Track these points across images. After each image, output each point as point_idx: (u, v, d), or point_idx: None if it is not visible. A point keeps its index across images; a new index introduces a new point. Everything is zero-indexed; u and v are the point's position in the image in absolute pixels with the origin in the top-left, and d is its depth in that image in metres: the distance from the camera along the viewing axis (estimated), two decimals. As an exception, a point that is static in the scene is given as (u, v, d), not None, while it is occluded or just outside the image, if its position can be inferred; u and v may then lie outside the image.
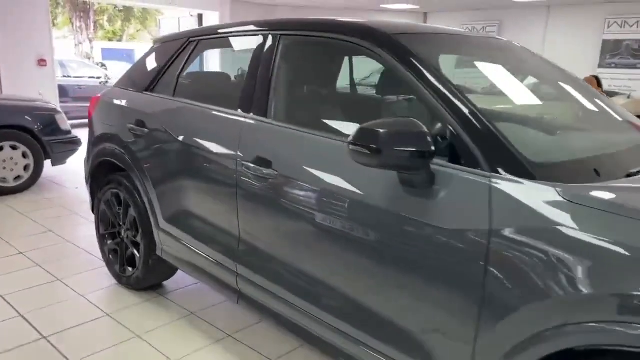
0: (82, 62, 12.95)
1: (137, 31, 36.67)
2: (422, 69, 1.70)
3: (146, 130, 2.66)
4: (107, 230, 3.15)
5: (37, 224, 4.19)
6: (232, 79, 2.91)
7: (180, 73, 2.72)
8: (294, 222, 1.94)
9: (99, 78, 11.65)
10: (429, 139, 1.47)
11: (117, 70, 13.15)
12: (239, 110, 2.25)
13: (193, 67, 2.82)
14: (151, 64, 3.00)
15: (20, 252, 3.57)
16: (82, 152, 5.54)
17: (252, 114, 2.19)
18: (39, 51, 7.12)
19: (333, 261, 1.81)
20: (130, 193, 2.84)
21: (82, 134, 5.85)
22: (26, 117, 5.12)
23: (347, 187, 1.73)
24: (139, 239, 2.86)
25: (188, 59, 2.71)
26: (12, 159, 4.99)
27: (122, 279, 3.06)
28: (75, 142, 5.49)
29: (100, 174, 3.18)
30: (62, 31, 26.25)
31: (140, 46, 34.48)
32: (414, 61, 1.73)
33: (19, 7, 6.79)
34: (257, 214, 2.11)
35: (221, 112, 2.36)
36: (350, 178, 1.73)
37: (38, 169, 5.18)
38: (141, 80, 2.97)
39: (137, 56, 32.10)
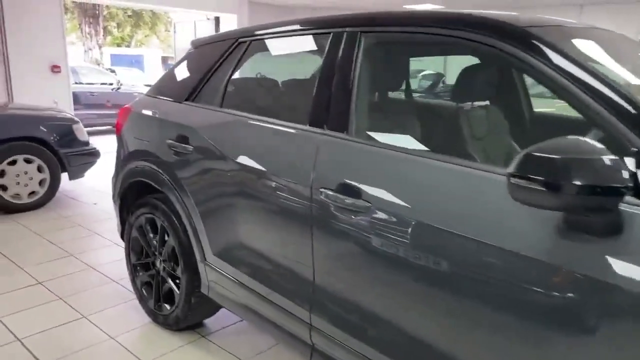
0: (94, 68, 12.63)
1: (145, 36, 36.52)
2: (581, 69, 1.29)
3: (190, 147, 2.26)
4: (139, 260, 2.75)
5: (55, 246, 3.80)
6: (296, 86, 2.49)
7: (228, 80, 2.32)
8: (392, 268, 1.52)
9: (111, 84, 11.34)
10: (625, 169, 1.06)
11: (127, 76, 12.81)
12: (311, 125, 1.85)
13: (242, 73, 2.42)
14: (191, 69, 2.60)
15: (38, 282, 3.18)
16: (100, 164, 5.18)
17: (328, 130, 1.78)
18: (52, 57, 6.76)
19: (451, 322, 1.39)
20: (169, 220, 2.44)
21: (95, 143, 5.48)
22: (41, 127, 4.74)
23: (479, 229, 1.31)
24: (179, 272, 2.45)
25: (238, 63, 2.31)
26: (26, 173, 4.61)
27: (157, 317, 2.66)
28: (94, 154, 5.11)
29: (132, 196, 2.79)
30: (70, 37, 26.00)
31: (149, 52, 34.32)
32: (568, 60, 1.32)
33: (31, 11, 6.45)
34: (340, 255, 1.70)
35: (286, 127, 1.95)
36: (484, 215, 1.32)
37: (54, 183, 4.80)
38: (179, 89, 2.57)
39: (146, 62, 31.98)
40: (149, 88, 2.89)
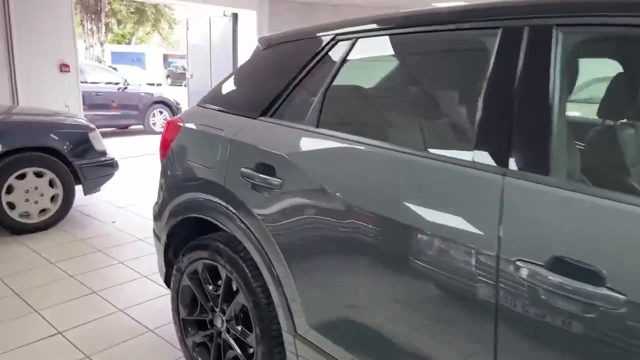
0: (98, 67, 12.03)
1: (146, 34, 35.87)
2: None
3: (278, 181, 1.68)
4: (191, 315, 2.17)
5: (73, 279, 3.21)
6: (443, 101, 1.86)
7: (326, 91, 1.73)
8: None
9: (117, 84, 10.74)
10: None
11: (129, 75, 12.21)
12: (480, 159, 1.27)
13: (347, 82, 1.83)
14: (265, 75, 2.02)
15: (57, 331, 2.60)
16: (116, 174, 4.59)
17: (519, 168, 1.21)
18: (60, 55, 6.15)
19: None
20: (240, 271, 1.85)
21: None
22: (53, 135, 4.15)
23: None
24: (251, 340, 1.88)
25: (339, 68, 1.73)
26: (36, 188, 4.02)
27: (216, 392, 2.08)
28: (112, 165, 4.52)
29: (183, 233, 2.21)
30: (70, 34, 25.22)
31: (151, 49, 33.69)
32: None
33: (38, 6, 5.84)
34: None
35: (432, 160, 1.37)
36: None
37: (68, 199, 4.21)
38: (251, 100, 1.99)
39: (148, 60, 31.35)
40: (205, 97, 2.31)
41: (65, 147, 4.16)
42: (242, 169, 1.81)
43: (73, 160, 4.19)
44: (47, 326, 2.64)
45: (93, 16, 20.92)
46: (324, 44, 1.80)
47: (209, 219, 1.98)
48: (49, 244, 3.82)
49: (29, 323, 2.67)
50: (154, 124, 10.90)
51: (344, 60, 1.72)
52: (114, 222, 4.39)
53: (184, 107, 11.17)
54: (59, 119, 4.46)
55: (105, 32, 22.32)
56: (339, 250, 1.52)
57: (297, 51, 1.91)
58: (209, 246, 2.00)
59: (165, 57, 34.56)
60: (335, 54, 1.76)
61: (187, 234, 2.22)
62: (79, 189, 4.29)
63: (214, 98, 2.22)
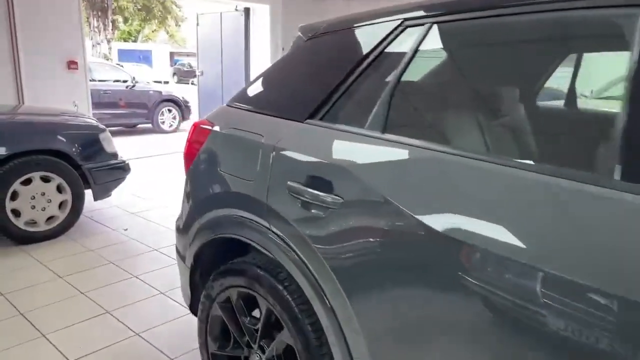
0: (106, 64, 11.76)
1: (153, 31, 35.67)
2: None
3: (338, 199, 1.36)
4: (223, 350, 1.87)
5: (83, 297, 2.92)
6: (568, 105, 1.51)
7: (394, 89, 1.41)
8: None
9: (125, 82, 10.48)
10: None
11: (135, 73, 11.94)
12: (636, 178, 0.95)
13: (421, 78, 1.52)
14: (313, 70, 1.71)
15: (68, 360, 2.31)
16: (128, 179, 4.30)
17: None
18: (68, 52, 5.86)
19: None
20: (286, 305, 1.54)
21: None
22: (61, 137, 3.86)
23: None
24: (298, 386, 1.57)
25: (410, 60, 1.41)
26: (43, 194, 3.73)
27: None
28: (124, 169, 4.23)
29: (213, 255, 1.91)
30: (77, 32, 24.96)
31: (157, 47, 33.46)
32: None
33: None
34: None
35: (558, 178, 1.05)
36: None
37: (77, 206, 3.91)
38: (296, 100, 1.69)
39: (155, 58, 31.10)
40: (236, 95, 2.00)
41: (74, 149, 3.87)
42: (289, 183, 1.50)
43: (82, 163, 3.91)
44: (56, 354, 2.35)
45: (100, 13, 20.67)
46: (389, 32, 1.49)
47: (246, 240, 1.67)
48: (57, 255, 3.53)
49: (36, 350, 2.38)
50: (163, 122, 10.64)
51: (415, 51, 1.40)
52: (126, 230, 4.09)
53: (193, 105, 10.90)
54: (67, 119, 4.16)
55: (112, 30, 22.07)
56: (418, 283, 1.21)
57: (353, 41, 1.60)
58: (246, 272, 1.69)
59: (172, 54, 34.35)
60: (404, 43, 1.44)
61: (217, 254, 1.93)
62: (88, 193, 4.00)
63: (248, 97, 1.91)
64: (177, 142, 8.91)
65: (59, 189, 3.81)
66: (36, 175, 3.68)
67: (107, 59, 19.25)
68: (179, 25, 31.34)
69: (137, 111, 10.43)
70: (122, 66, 16.50)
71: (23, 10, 5.42)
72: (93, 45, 20.43)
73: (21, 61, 5.47)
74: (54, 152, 3.78)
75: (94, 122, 4.27)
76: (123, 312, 2.76)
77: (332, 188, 1.39)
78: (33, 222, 3.72)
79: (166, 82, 22.20)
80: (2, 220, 3.55)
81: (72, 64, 5.86)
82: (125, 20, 27.68)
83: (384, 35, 1.50)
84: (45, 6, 5.59)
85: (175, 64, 32.46)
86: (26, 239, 3.69)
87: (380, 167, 1.34)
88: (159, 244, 3.78)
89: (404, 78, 1.41)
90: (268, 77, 1.88)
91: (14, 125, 3.89)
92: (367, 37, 1.55)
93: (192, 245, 1.92)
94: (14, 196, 3.61)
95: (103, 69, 10.75)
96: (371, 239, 1.30)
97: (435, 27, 1.40)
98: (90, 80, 9.51)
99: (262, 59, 8.29)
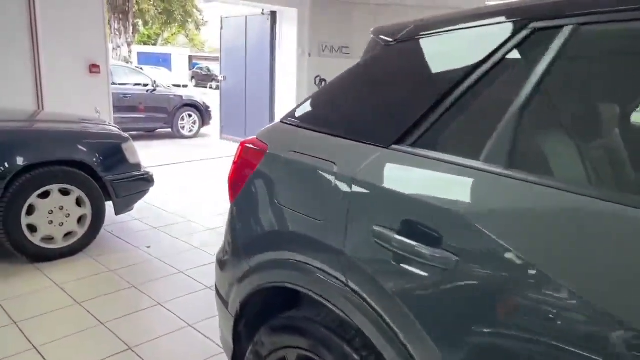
0: (127, 68, 11.58)
1: (172, 35, 35.74)
2: None
3: (449, 256, 1.02)
4: (274, 421, 1.54)
5: (103, 328, 2.61)
6: None
7: (522, 109, 1.07)
8: None
9: (145, 85, 10.27)
10: None
11: (155, 76, 11.76)
12: None
13: (561, 93, 1.17)
14: (401, 83, 1.38)
15: (86, 411, 1.99)
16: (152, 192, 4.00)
17: None
18: (90, 55, 5.61)
19: None
20: (365, 381, 1.21)
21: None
22: (81, 147, 3.58)
23: None
24: None
25: (546, 73, 1.06)
26: (61, 208, 3.45)
27: None
28: (148, 180, 3.94)
29: (262, 305, 1.59)
30: (98, 34, 24.95)
31: (177, 51, 33.49)
32: None
33: (66, 1, 5.31)
34: None
35: None
36: None
37: (98, 221, 3.63)
38: (378, 119, 1.35)
39: (174, 61, 31.10)
40: (287, 114, 1.67)
41: (95, 160, 3.59)
42: (376, 228, 1.16)
43: (104, 175, 3.62)
44: (73, 403, 2.04)
45: (121, 16, 20.62)
46: (508, 36, 1.15)
47: (314, 295, 1.34)
48: (74, 275, 3.24)
49: (50, 397, 2.07)
50: (183, 127, 10.42)
51: (554, 61, 1.06)
52: (148, 248, 3.79)
53: (214, 110, 10.66)
54: (89, 127, 3.89)
55: (132, 33, 22.03)
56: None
57: (459, 47, 1.26)
58: (309, 332, 1.36)
59: (190, 58, 34.38)
60: (533, 51, 1.11)
61: (265, 302, 1.60)
62: (108, 206, 3.71)
63: (310, 114, 1.58)
64: (199, 149, 8.65)
65: (79, 203, 3.53)
66: (55, 188, 3.40)
67: (128, 62, 19.15)
68: (200, 29, 31.33)
69: (157, 115, 10.23)
70: (141, 69, 16.40)
71: (45, 12, 5.19)
72: (113, 49, 20.37)
73: (42, 63, 5.23)
74: (75, 163, 3.50)
75: (116, 130, 3.99)
76: (147, 349, 2.44)
77: (440, 240, 1.05)
78: (50, 239, 3.44)
79: (185, 86, 22.08)
80: (17, 236, 3.27)
81: (94, 68, 5.61)
82: (146, 24, 27.69)
83: (502, 40, 1.16)
84: (69, 8, 5.36)
85: (194, 67, 32.45)
86: (42, 256, 3.41)
87: (513, 218, 1.00)
88: (185, 265, 3.47)
89: (536, 95, 1.07)
90: (337, 89, 1.55)
91: (32, 134, 3.62)
92: (479, 42, 1.21)
93: (238, 290, 1.60)
94: (31, 210, 3.33)
95: (124, 73, 10.58)
96: (501, 316, 0.96)
97: (578, 30, 1.06)
98: (112, 84, 9.38)
99: (289, 65, 8.00)
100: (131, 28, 21.50)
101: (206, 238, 4.08)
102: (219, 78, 9.42)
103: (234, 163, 1.68)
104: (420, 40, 1.36)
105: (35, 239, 3.36)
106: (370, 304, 1.18)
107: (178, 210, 4.79)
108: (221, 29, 9.01)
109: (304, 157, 1.43)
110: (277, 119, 1.70)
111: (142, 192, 3.93)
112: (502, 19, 1.18)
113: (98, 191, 3.60)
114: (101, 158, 3.63)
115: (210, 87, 26.69)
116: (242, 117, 8.77)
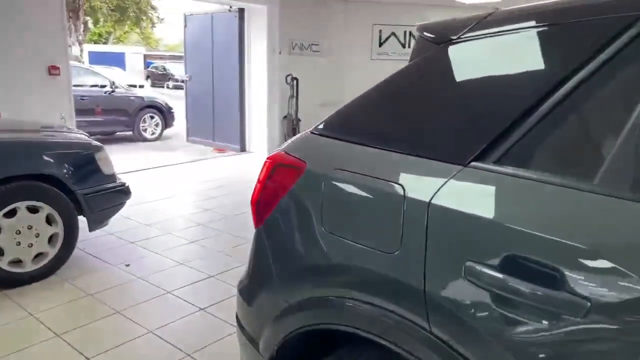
0: (83, 68, 10.98)
1: (125, 33, 34.50)
2: None
3: (576, 301, 0.85)
4: None
5: (92, 365, 2.33)
6: None
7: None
8: None
9: (103, 87, 9.77)
10: None
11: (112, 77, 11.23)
12: None
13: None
14: (470, 88, 1.19)
15: None
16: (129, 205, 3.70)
17: None
18: (49, 56, 5.18)
19: None
20: None
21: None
22: (49, 159, 3.23)
23: None
24: None
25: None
26: (30, 227, 3.10)
27: None
28: (124, 192, 3.63)
29: (296, 343, 1.38)
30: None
31: (131, 49, 32.30)
32: None
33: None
34: None
35: None
36: None
37: (70, 239, 3.30)
38: (445, 131, 1.17)
39: (129, 61, 29.97)
40: (320, 124, 1.46)
41: (65, 172, 3.25)
42: (470, 264, 0.97)
43: (76, 188, 3.29)
44: None
45: (71, 14, 19.66)
46: (617, 32, 0.98)
47: (381, 341, 1.13)
48: (49, 302, 2.91)
49: None
50: (145, 130, 9.97)
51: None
52: (128, 266, 3.48)
53: (177, 112, 10.24)
54: (57, 135, 3.54)
55: (83, 31, 21.06)
56: None
57: (548, 44, 1.09)
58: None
59: (144, 57, 33.27)
60: (652, 52, 0.94)
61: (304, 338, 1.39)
62: (81, 221, 3.38)
63: (353, 124, 1.37)
64: (165, 153, 8.27)
65: (49, 221, 3.19)
66: (22, 206, 3.05)
67: (80, 62, 18.28)
68: (155, 27, 30.36)
69: (117, 118, 9.75)
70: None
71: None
72: (64, 48, 19.40)
73: (-5, 66, 4.79)
74: (43, 177, 3.15)
75: (88, 139, 3.65)
76: (145, 387, 2.18)
77: (563, 282, 0.87)
78: (18, 262, 3.09)
79: (141, 86, 21.30)
80: (-20, 261, 2.91)
81: (53, 69, 5.19)
82: (97, 22, 26.56)
83: (607, 38, 0.99)
84: (25, 5, 4.92)
85: (148, 66, 31.40)
86: (10, 281, 3.06)
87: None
88: (171, 284, 3.19)
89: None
90: (387, 96, 1.34)
91: (-7, 145, 3.25)
92: (576, 40, 1.04)
93: (275, 331, 1.37)
94: (-5, 231, 2.98)
95: (79, 73, 10.01)
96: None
97: None
98: (67, 86, 8.82)
99: (259, 64, 7.73)
100: (82, 26, 20.56)
101: (189, 252, 3.80)
102: (184, 78, 9.03)
103: (260, 182, 1.46)
104: (494, 39, 1.18)
105: (2, 263, 3.01)
106: (464, 356, 0.99)
107: (154, 222, 4.48)
108: (185, 26, 8.63)
109: (357, 177, 1.22)
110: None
111: (118, 206, 3.62)
112: (608, 13, 1.02)
113: (69, 207, 3.27)
114: (72, 170, 3.30)
115: (168, 87, 25.88)
116: (209, 119, 8.43)
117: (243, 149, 8.04)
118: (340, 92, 8.61)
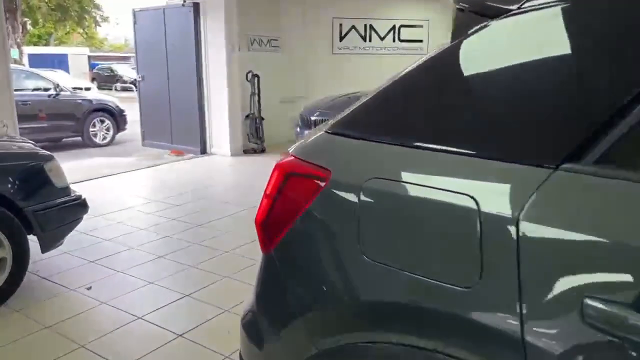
0: (24, 71, 10.24)
1: (66, 34, 32.92)
2: None
3: None
4: None
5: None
6: None
7: None
8: None
9: (46, 90, 9.12)
10: None
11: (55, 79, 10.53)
12: None
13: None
14: (529, 71, 0.95)
15: None
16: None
17: None
18: (-16, 56, 4.66)
19: None
20: None
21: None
22: (-9, 172, 2.81)
23: None
24: None
25: None
26: (-29, 253, 2.68)
27: None
28: (81, 206, 3.24)
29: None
30: (-21, 35, 22.13)
31: (74, 50, 30.81)
32: None
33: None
34: None
35: None
36: None
37: (21, 263, 2.88)
38: (522, 127, 0.91)
39: (72, 62, 28.56)
40: (332, 121, 1.19)
41: (10, 187, 2.84)
42: (590, 302, 0.73)
43: (24, 205, 2.88)
44: None
45: (8, 14, 18.46)
46: None
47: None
48: (0, 339, 2.51)
49: None
50: (95, 135, 9.37)
51: None
52: (89, 289, 3.09)
53: (130, 114, 9.69)
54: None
55: (22, 32, 19.85)
56: None
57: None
58: None
59: (89, 58, 31.86)
60: None
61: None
62: (32, 241, 2.97)
63: (392, 120, 1.10)
64: (119, 159, 7.75)
65: (-6, 244, 2.77)
66: (-40, 229, 2.63)
67: (20, 65, 17.18)
68: (100, 26, 29.08)
69: (64, 123, 9.13)
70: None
71: None
72: (0, 50, 18.20)
73: None
74: (-16, 194, 2.73)
75: (36, 148, 3.23)
76: None
77: None
78: (-42, 294, 2.66)
79: (88, 89, 20.32)
80: None
81: (-10, 72, 4.66)
82: (36, 22, 25.13)
83: None
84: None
85: (94, 68, 30.07)
86: (-51, 318, 2.63)
87: None
88: (142, 308, 2.83)
89: None
90: (431, 83, 1.08)
91: None
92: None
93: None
94: None
95: (20, 77, 9.29)
96: None
97: None
98: (7, 90, 8.13)
99: (217, 61, 7.33)
100: (20, 27, 19.37)
101: (158, 268, 3.44)
102: (137, 78, 8.52)
103: (268, 197, 1.17)
104: (572, 7, 0.93)
105: (-62, 298, 2.58)
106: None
107: (114, 236, 4.07)
108: (134, 23, 8.11)
109: (405, 188, 0.96)
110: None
111: (74, 222, 3.22)
112: None
113: (18, 227, 2.85)
114: (18, 184, 2.88)
115: (116, 89, 24.81)
116: (166, 121, 7.96)
117: (204, 151, 7.63)
118: (303, 88, 8.34)
